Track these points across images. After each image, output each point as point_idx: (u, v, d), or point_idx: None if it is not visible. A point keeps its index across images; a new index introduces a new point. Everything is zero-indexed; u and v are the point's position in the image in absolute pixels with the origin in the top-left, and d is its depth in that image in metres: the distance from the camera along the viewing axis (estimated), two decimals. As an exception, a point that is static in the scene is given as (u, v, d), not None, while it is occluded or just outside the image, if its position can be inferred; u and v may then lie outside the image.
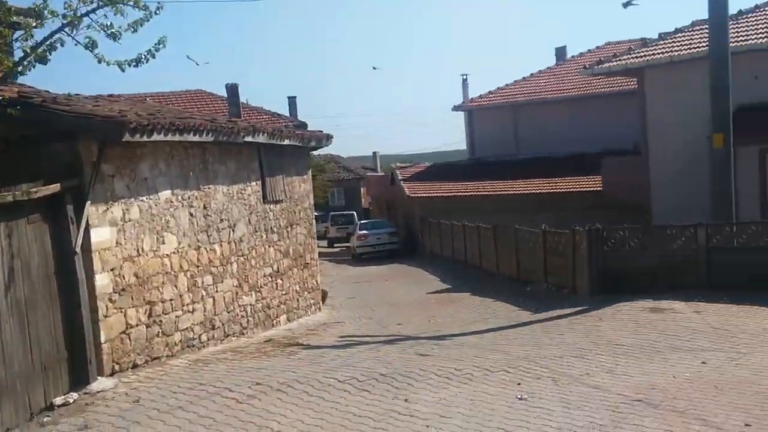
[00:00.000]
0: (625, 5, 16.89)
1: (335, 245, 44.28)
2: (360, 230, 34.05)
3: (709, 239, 13.73)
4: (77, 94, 11.04)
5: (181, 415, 6.87)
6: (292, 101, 39.33)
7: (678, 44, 20.09)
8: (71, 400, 7.45)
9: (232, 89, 32.24)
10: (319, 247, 46.90)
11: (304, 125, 30.87)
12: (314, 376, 8.20)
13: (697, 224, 13.93)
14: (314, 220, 16.82)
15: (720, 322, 10.92)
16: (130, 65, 7.56)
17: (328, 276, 25.65)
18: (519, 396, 7.46)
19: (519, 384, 7.98)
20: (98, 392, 7.75)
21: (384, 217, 37.91)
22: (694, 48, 19.12)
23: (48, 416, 7.02)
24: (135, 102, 13.95)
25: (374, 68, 76.26)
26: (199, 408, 7.08)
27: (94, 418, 6.89)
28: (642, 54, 20.51)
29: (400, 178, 33.77)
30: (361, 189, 58.27)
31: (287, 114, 37.21)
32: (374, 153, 63.30)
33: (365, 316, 15.76)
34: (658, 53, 20.02)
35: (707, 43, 15.30)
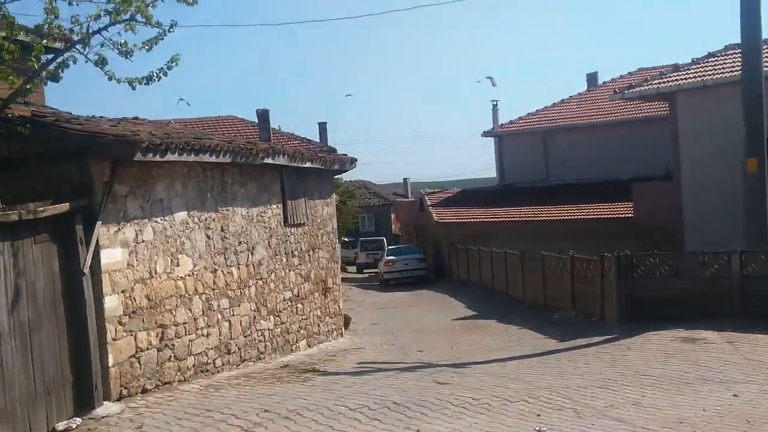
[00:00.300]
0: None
1: (364, 271, 44.04)
2: (387, 256, 33.73)
3: (743, 267, 13.24)
4: (101, 117, 11.05)
5: (183, 443, 6.64)
6: (322, 127, 39.37)
7: (711, 68, 19.68)
8: (74, 426, 7.27)
9: (263, 115, 32.38)
10: (348, 272, 46.63)
11: (332, 151, 30.84)
12: (325, 404, 7.93)
13: (731, 251, 13.45)
14: (338, 245, 16.64)
15: (754, 353, 10.42)
16: (140, 83, 7.46)
17: (354, 302, 25.45)
18: (537, 428, 7.09)
19: (539, 415, 7.61)
20: (103, 417, 7.56)
21: (413, 243, 37.62)
22: (727, 72, 18.68)
23: (49, 441, 6.84)
24: (159, 125, 13.93)
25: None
26: (203, 435, 6.85)
27: (95, 444, 6.69)
28: (674, 78, 20.12)
29: (428, 203, 33.53)
30: (392, 215, 58.11)
31: (318, 140, 37.28)
32: (405, 179, 63.23)
33: (387, 343, 15.46)
34: (691, 77, 19.62)
35: (740, 66, 14.92)
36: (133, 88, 7.48)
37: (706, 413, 7.53)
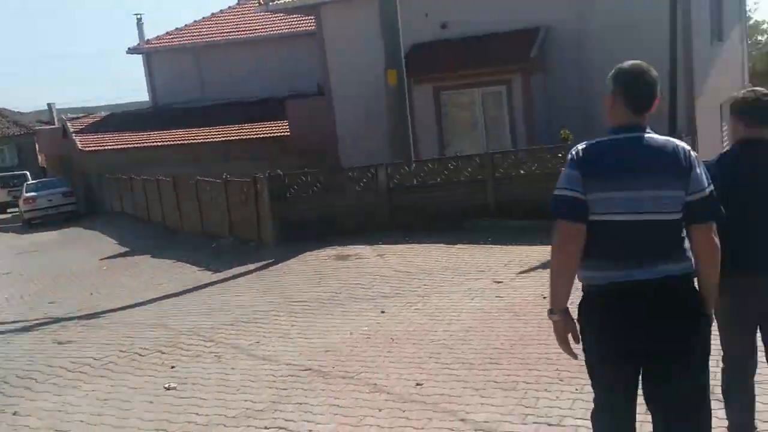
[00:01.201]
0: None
1: (8, 211, 38.93)
2: (27, 192, 29.78)
3: (390, 179, 13.40)
4: None
5: None
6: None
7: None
8: None
9: None
10: (-12, 213, 40.39)
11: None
12: None
13: (378, 165, 13.53)
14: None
15: (401, 263, 10.48)
16: None
17: (-13, 248, 21.98)
18: (167, 385, 6.08)
19: (173, 368, 6.61)
20: None
21: (61, 176, 33.77)
22: (369, -18, 18.61)
23: None
24: None
25: None
26: None
27: None
28: (318, -10, 19.64)
29: (71, 130, 29.99)
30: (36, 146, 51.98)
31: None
32: (49, 105, 56.48)
33: (17, 295, 13.20)
34: (334, -12, 19.27)
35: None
36: None
37: (353, 336, 7.13)
